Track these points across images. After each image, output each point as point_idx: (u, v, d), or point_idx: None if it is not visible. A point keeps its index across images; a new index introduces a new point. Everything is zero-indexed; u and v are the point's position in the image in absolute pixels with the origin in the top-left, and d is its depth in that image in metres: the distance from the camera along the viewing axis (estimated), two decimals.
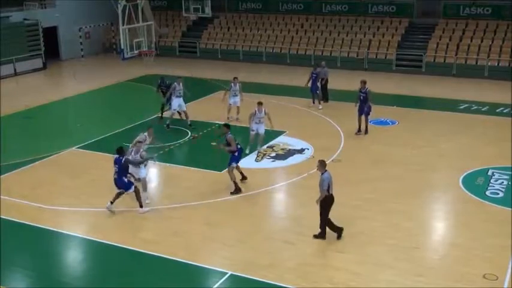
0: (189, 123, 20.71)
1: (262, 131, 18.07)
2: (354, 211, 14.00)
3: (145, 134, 15.67)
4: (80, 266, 12.17)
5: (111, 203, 13.87)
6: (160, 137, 19.32)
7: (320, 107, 22.81)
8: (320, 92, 23.49)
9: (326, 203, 12.26)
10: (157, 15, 38.00)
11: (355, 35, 32.82)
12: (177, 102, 20.57)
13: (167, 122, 20.66)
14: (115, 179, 13.78)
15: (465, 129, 20.46)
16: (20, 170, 17.10)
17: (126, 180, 13.75)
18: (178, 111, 20.95)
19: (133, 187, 13.84)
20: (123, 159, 13.62)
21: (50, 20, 34.52)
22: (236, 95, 21.27)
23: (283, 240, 12.51)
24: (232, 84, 21.37)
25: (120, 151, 13.73)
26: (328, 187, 12.16)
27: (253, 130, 18.02)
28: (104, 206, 13.96)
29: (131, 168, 14.14)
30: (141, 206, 14.03)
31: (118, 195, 13.93)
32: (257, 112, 17.84)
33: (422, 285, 10.87)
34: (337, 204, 14.32)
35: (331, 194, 12.24)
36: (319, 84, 23.48)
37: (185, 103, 20.78)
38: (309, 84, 23.35)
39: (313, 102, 23.26)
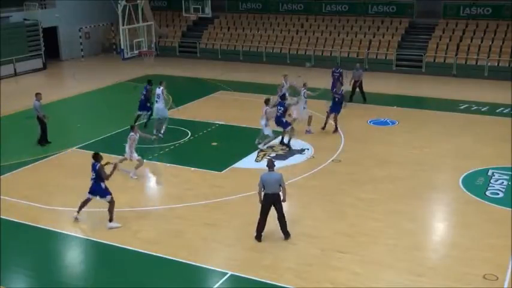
0: (157, 132, 19.46)
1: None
2: (354, 211, 14.01)
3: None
4: (80, 266, 12.16)
5: (78, 212, 13.50)
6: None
7: None
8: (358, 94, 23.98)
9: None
10: (157, 15, 38.00)
11: (355, 35, 32.84)
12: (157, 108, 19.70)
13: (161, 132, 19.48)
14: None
15: (465, 129, 20.46)
16: (20, 170, 17.09)
17: (103, 186, 13.16)
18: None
19: (109, 196, 13.17)
20: (98, 166, 13.03)
21: (50, 20, 34.50)
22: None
23: (283, 240, 12.51)
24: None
25: (96, 157, 13.18)
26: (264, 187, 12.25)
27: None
28: (104, 207, 13.91)
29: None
30: (110, 220, 13.27)
31: (86, 201, 13.43)
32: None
33: (422, 285, 10.87)
34: (337, 204, 14.42)
35: (266, 194, 12.30)
36: (350, 85, 24.04)
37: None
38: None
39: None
